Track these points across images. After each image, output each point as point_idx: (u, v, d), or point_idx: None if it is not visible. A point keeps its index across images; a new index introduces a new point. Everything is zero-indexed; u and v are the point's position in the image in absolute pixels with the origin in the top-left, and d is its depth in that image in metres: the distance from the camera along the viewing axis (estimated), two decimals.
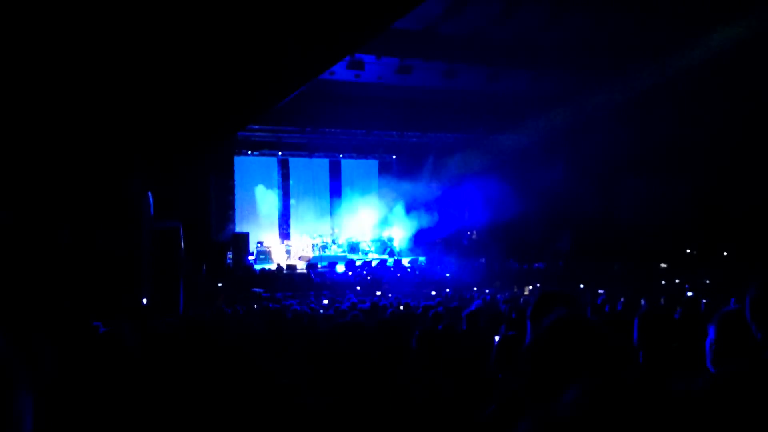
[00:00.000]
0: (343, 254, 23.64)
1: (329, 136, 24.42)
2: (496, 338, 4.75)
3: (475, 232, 25.20)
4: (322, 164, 26.17)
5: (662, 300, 10.83)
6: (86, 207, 7.91)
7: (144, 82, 6.91)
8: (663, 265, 20.02)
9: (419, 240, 25.43)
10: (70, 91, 6.50)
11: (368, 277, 19.09)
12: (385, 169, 27.23)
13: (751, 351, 1.88)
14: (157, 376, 4.09)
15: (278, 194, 25.21)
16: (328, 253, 23.54)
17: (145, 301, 11.47)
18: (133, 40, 5.99)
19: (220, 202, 21.51)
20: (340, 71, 18.08)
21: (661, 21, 16.90)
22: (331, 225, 25.64)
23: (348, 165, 26.64)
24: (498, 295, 14.14)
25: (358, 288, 17.74)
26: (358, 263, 21.72)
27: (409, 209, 25.62)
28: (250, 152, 24.04)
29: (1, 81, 5.81)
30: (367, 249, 24.58)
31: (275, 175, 25.28)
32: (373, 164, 27.23)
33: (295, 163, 25.53)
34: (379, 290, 16.86)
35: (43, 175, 7.09)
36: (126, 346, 3.92)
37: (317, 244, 23.61)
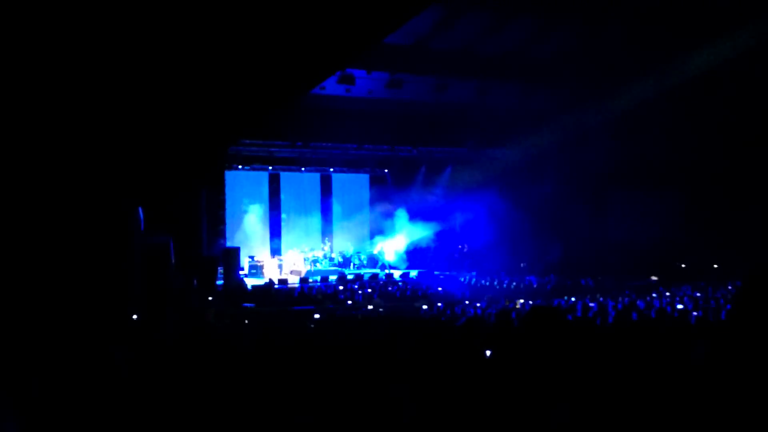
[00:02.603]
0: (335, 268, 23.61)
1: (320, 151, 24.43)
2: (488, 352, 4.75)
3: (466, 245, 25.23)
4: (313, 178, 26.15)
5: (653, 313, 10.87)
6: (76, 222, 7.87)
7: (134, 97, 6.91)
8: (654, 278, 20.07)
9: (410, 253, 25.45)
10: (59, 106, 6.49)
11: (360, 291, 19.04)
12: (376, 183, 27.24)
13: None
14: (148, 398, 4.05)
15: (269, 208, 25.15)
16: (319, 267, 23.49)
17: (135, 316, 11.41)
18: (124, 57, 5.99)
19: (211, 217, 21.44)
20: (331, 86, 18.14)
21: (652, 37, 17.06)
22: (323, 239, 25.61)
23: (339, 179, 26.63)
24: (489, 309, 14.13)
25: (349, 302, 17.68)
26: (349, 277, 21.69)
27: (401, 223, 25.63)
28: (240, 167, 24.00)
29: None
30: (358, 263, 24.58)
31: (266, 190, 25.24)
32: (364, 178, 27.24)
33: (286, 177, 25.50)
34: (370, 304, 16.80)
35: (30, 190, 7.05)
36: (117, 371, 3.90)
37: (309, 258, 23.57)
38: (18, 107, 6.22)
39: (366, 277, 22.03)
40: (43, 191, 7.25)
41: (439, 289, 20.14)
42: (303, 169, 25.26)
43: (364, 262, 24.85)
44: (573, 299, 15.65)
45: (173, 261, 15.13)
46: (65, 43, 5.48)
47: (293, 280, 21.06)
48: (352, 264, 24.43)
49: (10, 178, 6.75)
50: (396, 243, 25.52)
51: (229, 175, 23.20)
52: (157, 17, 5.49)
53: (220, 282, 19.85)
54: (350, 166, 26.19)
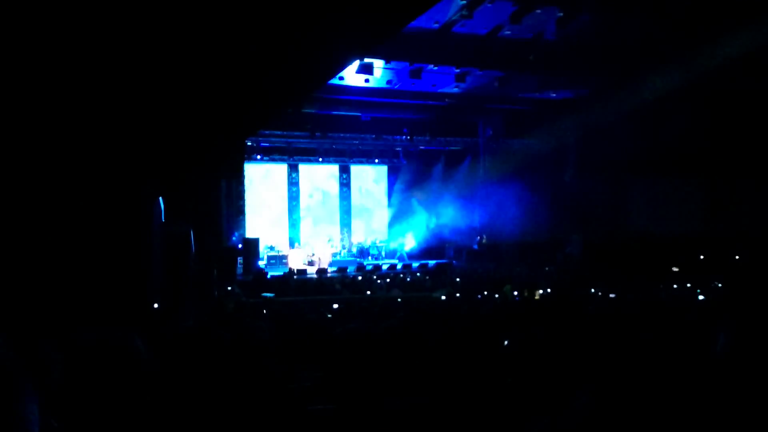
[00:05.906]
0: (353, 258, 23.67)
1: (339, 141, 24.47)
2: (506, 342, 4.73)
3: (485, 236, 25.16)
4: (331, 169, 26.22)
5: (673, 303, 10.77)
6: (98, 211, 7.94)
7: (157, 88, 6.95)
8: (675, 269, 19.89)
9: (429, 244, 25.43)
10: (82, 96, 6.54)
11: (378, 281, 19.07)
12: (394, 174, 27.24)
13: None
14: (167, 383, 4.09)
15: (288, 199, 25.26)
16: (338, 258, 23.57)
17: (156, 305, 11.50)
18: (145, 49, 6.03)
19: (231, 208, 21.56)
20: (350, 76, 18.12)
21: (675, 25, 16.83)
22: (341, 230, 25.68)
23: (357, 170, 26.67)
24: (508, 299, 14.09)
25: (368, 292, 17.70)
26: (368, 267, 21.74)
27: (419, 214, 25.61)
28: (260, 157, 24.12)
29: (13, 82, 5.85)
30: (376, 253, 24.62)
31: (285, 180, 25.35)
32: (382, 169, 27.25)
33: (304, 168, 25.60)
34: (389, 295, 16.82)
35: (54, 180, 7.13)
36: (136, 355, 3.93)
37: (327, 249, 23.66)
38: (44, 97, 6.29)
39: (384, 267, 22.06)
40: (65, 180, 7.32)
41: (457, 279, 20.11)
42: (321, 159, 25.31)
43: (383, 252, 24.89)
44: (593, 289, 15.56)
45: (193, 251, 15.22)
46: (91, 33, 5.52)
47: (311, 271, 21.15)
48: (370, 255, 24.47)
49: (34, 166, 6.83)
50: (414, 233, 25.53)
51: (249, 166, 23.31)
52: (177, 10, 5.52)
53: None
54: (369, 156, 26.21)
